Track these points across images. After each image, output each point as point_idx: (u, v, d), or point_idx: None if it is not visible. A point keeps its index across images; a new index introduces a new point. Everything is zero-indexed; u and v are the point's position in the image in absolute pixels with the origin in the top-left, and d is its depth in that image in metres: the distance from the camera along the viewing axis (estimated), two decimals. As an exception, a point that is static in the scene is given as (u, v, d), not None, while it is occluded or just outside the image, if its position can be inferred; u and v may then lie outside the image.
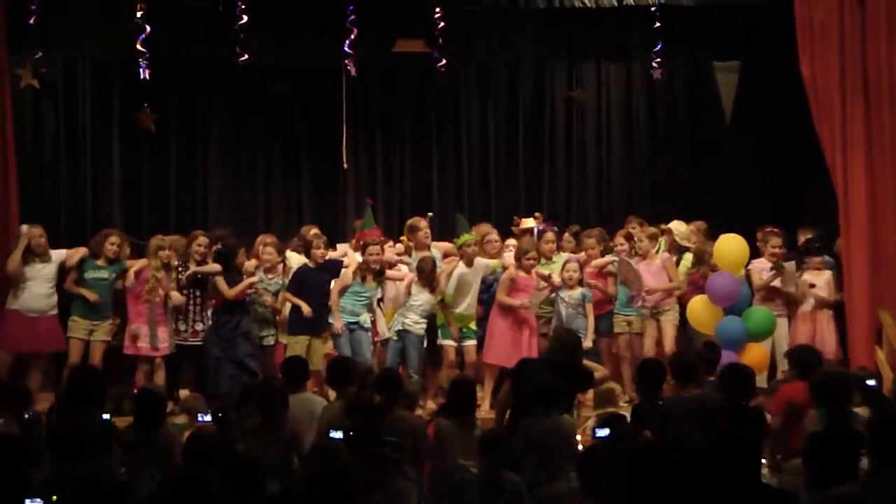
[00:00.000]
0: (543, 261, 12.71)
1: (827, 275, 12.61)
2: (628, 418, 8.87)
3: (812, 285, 12.50)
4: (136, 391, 11.36)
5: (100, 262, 11.99)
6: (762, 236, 12.68)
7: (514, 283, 12.22)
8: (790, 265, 12.54)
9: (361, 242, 12.44)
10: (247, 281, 11.94)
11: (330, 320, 12.03)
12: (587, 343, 11.97)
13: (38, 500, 5.68)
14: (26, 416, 8.66)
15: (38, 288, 11.86)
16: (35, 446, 7.23)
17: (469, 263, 12.27)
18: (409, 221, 13.17)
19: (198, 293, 12.10)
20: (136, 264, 12.09)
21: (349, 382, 9.26)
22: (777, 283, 12.41)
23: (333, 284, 12.14)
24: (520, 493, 7.49)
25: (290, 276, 12.18)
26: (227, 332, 11.82)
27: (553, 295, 12.46)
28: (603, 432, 7.57)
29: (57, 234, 12.49)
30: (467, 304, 12.32)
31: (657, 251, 12.81)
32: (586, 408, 11.30)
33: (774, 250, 12.51)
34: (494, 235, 12.97)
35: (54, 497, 5.66)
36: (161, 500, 5.15)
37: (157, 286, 11.86)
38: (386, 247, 12.64)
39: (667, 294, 12.57)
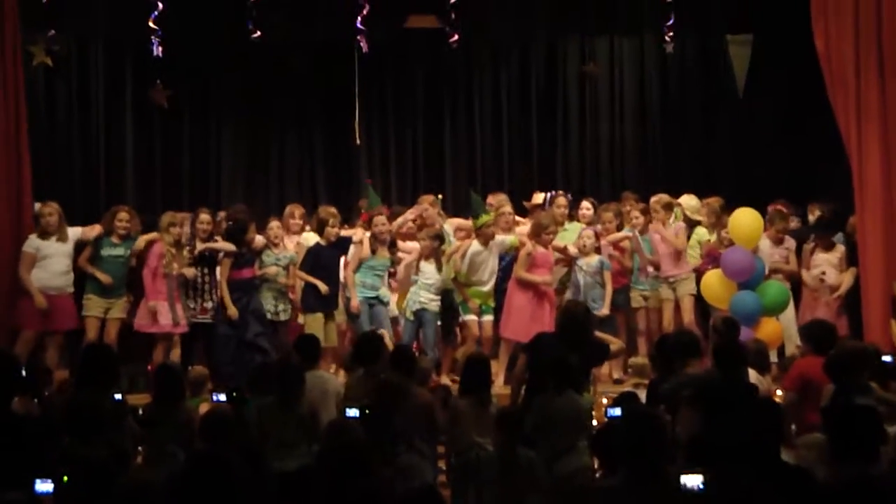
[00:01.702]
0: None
1: (840, 251, 12.58)
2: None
3: (823, 273, 12.47)
4: (150, 368, 11.47)
5: (114, 240, 12.02)
6: (770, 214, 12.67)
7: (532, 259, 12.20)
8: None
9: (368, 217, 12.47)
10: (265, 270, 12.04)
11: (348, 296, 12.06)
12: (604, 311, 12.00)
13: (49, 480, 5.69)
14: (46, 394, 8.69)
15: (56, 265, 11.83)
16: (54, 426, 7.25)
17: (485, 243, 12.26)
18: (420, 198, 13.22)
19: (206, 270, 12.12)
20: (147, 236, 12.10)
21: (377, 359, 9.21)
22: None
23: (344, 262, 12.18)
24: (536, 469, 7.51)
25: (302, 255, 12.21)
26: (237, 310, 11.86)
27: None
28: (615, 411, 7.58)
29: (72, 212, 12.47)
30: (487, 283, 12.32)
31: (673, 221, 12.84)
32: (602, 384, 11.33)
33: (778, 235, 12.53)
34: (508, 208, 12.90)
35: (65, 478, 5.67)
36: (186, 480, 5.15)
37: (172, 260, 11.88)
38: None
39: (676, 257, 12.58)
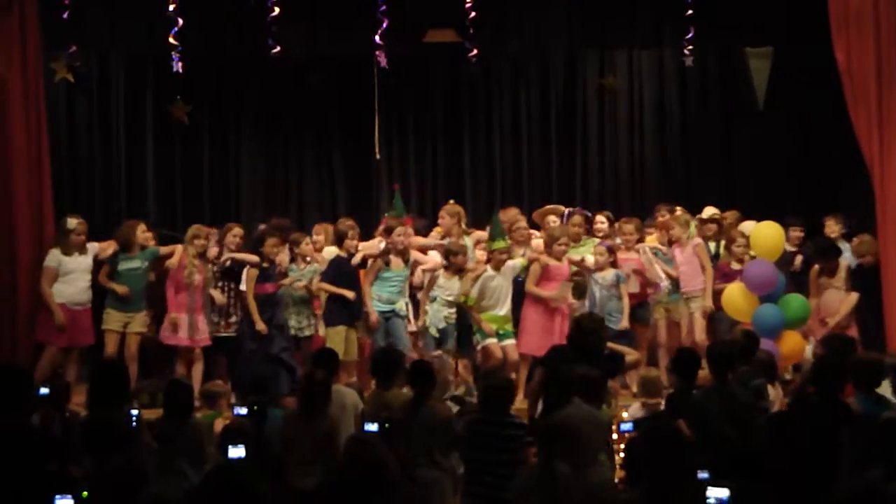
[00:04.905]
0: (572, 244, 12.64)
1: (844, 271, 12.41)
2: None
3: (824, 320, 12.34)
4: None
5: (130, 253, 12.05)
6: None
7: (545, 272, 12.16)
8: None
9: (385, 226, 12.44)
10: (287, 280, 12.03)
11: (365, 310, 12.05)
12: (623, 324, 11.96)
13: (69, 496, 5.68)
14: (67, 413, 8.69)
15: (80, 281, 11.90)
16: (74, 442, 7.26)
17: (497, 268, 12.15)
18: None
19: (232, 285, 12.17)
20: (176, 249, 12.13)
21: (395, 374, 9.19)
22: None
23: (363, 275, 12.18)
24: (570, 483, 7.46)
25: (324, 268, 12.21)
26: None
27: (587, 276, 12.41)
28: (627, 426, 7.61)
29: (92, 227, 12.50)
30: (502, 307, 12.19)
31: (688, 237, 12.80)
32: (621, 396, 11.28)
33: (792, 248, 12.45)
34: (523, 223, 12.88)
35: (85, 493, 5.67)
36: (204, 495, 5.15)
37: (194, 271, 11.90)
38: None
39: (693, 273, 12.58)
